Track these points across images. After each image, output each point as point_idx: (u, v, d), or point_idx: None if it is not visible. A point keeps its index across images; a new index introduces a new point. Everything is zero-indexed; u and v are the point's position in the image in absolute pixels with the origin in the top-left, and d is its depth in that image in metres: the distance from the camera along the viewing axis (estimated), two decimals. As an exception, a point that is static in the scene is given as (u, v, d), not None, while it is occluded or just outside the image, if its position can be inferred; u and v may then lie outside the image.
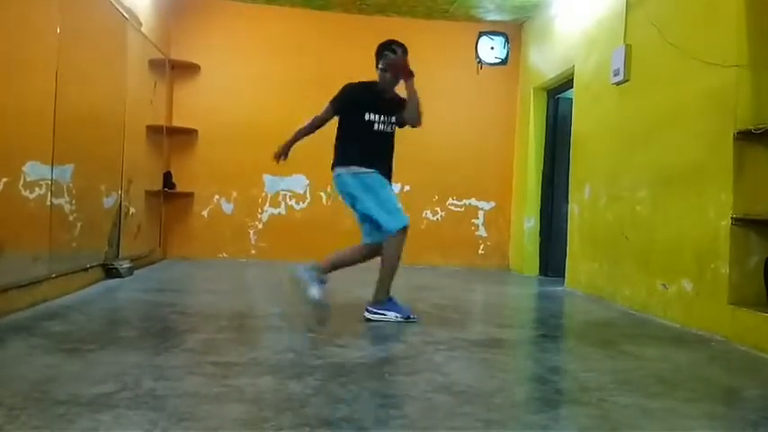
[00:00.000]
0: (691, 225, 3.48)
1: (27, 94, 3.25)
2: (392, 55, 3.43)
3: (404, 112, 3.45)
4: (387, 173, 3.48)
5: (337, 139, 3.48)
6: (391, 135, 3.51)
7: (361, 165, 3.37)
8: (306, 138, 3.54)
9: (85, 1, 3.95)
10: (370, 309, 3.36)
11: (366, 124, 3.39)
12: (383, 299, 3.39)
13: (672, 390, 2.22)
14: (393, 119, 3.47)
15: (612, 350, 2.88)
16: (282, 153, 3.53)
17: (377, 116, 3.40)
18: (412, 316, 3.35)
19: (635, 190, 4.11)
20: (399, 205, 3.43)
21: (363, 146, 3.40)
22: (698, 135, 3.48)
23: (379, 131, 3.42)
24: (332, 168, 3.50)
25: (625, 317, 3.84)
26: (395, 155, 3.59)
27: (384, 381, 2.15)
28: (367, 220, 3.49)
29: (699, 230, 3.40)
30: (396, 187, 6.47)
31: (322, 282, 3.24)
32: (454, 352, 2.65)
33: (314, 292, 3.13)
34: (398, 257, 3.42)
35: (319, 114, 3.50)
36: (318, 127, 3.51)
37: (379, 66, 3.44)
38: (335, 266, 3.42)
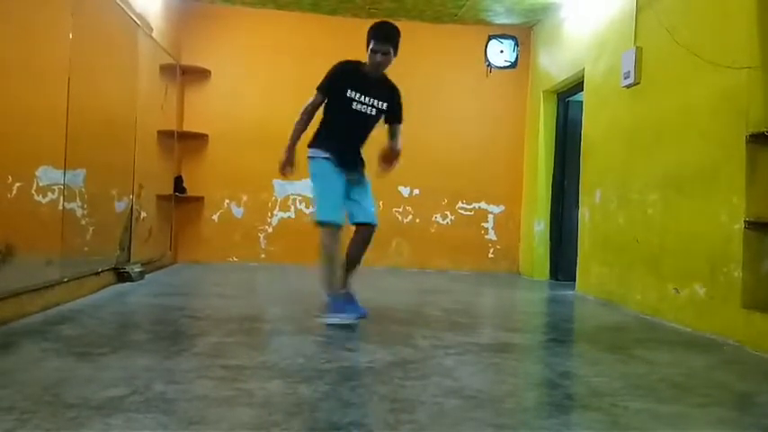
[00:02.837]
0: (703, 229, 3.45)
1: (40, 99, 3.28)
2: (376, 48, 3.32)
3: (392, 122, 3.45)
4: (349, 158, 3.38)
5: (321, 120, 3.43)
6: (370, 118, 3.40)
7: (319, 147, 3.35)
8: (304, 134, 3.44)
9: (97, 7, 3.99)
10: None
11: (347, 100, 3.33)
12: (330, 295, 3.26)
13: (684, 395, 2.19)
14: (376, 102, 3.38)
15: (624, 355, 2.86)
16: (288, 162, 3.39)
17: (358, 95, 3.34)
18: (359, 315, 3.21)
19: (646, 193, 4.09)
20: (334, 200, 3.30)
21: (335, 125, 3.34)
22: (709, 138, 3.46)
23: (357, 111, 3.35)
24: None
25: (636, 321, 3.81)
26: (404, 154, 3.52)
27: (394, 385, 2.14)
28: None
29: (711, 234, 3.37)
30: (405, 191, 6.61)
31: (348, 300, 3.21)
32: (464, 356, 2.64)
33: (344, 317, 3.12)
34: (325, 252, 3.26)
35: (309, 102, 3.42)
36: (311, 116, 3.43)
37: (369, 48, 3.35)
38: (344, 271, 3.37)
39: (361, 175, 3.48)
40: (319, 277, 3.29)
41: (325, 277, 3.28)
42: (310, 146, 3.40)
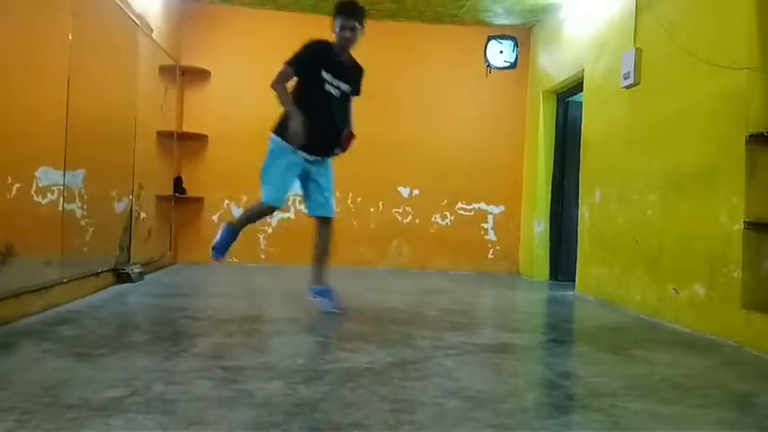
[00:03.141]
0: (702, 229, 3.45)
1: (39, 99, 3.28)
2: (344, 24, 3.40)
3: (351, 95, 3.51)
4: (317, 142, 3.40)
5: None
6: (337, 100, 3.43)
7: (278, 127, 3.41)
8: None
9: (97, 8, 3.99)
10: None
11: (320, 81, 3.37)
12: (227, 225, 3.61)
13: (684, 395, 2.20)
14: (342, 85, 3.43)
15: (623, 355, 2.86)
16: (302, 128, 3.30)
17: (330, 76, 3.38)
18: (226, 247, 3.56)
19: (646, 194, 4.09)
20: (279, 184, 3.45)
21: (305, 107, 3.35)
22: (709, 138, 3.46)
23: (327, 92, 3.39)
24: None
25: (636, 322, 3.81)
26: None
27: (394, 386, 2.14)
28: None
29: (711, 234, 3.37)
30: (405, 191, 6.61)
31: (321, 292, 3.46)
32: (464, 357, 2.64)
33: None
34: (250, 213, 3.70)
35: (281, 74, 3.41)
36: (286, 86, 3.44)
37: (338, 26, 3.41)
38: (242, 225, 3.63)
39: (326, 158, 3.52)
40: (241, 217, 3.71)
41: (241, 219, 3.66)
42: (275, 132, 3.44)
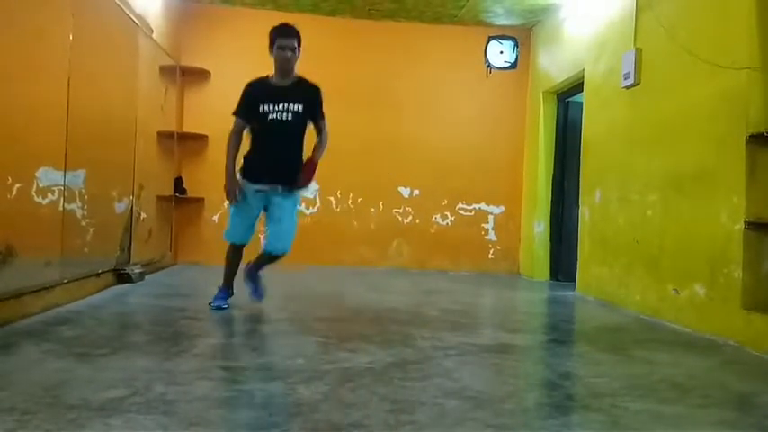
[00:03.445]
0: (703, 229, 3.45)
1: (40, 100, 3.28)
2: (283, 44, 3.44)
3: (313, 120, 3.52)
4: (274, 171, 3.45)
5: None
6: (287, 124, 3.41)
7: (243, 175, 3.54)
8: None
9: (97, 8, 3.99)
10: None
11: (261, 115, 3.39)
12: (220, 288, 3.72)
13: (684, 395, 2.20)
14: (290, 106, 3.40)
15: (624, 355, 2.86)
16: (233, 189, 3.53)
17: (271, 105, 3.39)
18: (223, 305, 3.61)
19: (646, 194, 4.09)
20: (243, 224, 3.64)
21: (257, 143, 3.47)
22: (709, 138, 3.46)
23: (273, 120, 3.39)
24: None
25: (636, 322, 3.81)
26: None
27: (394, 386, 2.15)
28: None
29: (711, 234, 3.37)
30: (405, 191, 6.61)
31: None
32: (464, 357, 2.64)
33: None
34: (227, 261, 3.81)
35: (232, 130, 3.57)
36: (239, 139, 3.57)
37: (276, 47, 3.45)
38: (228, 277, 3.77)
39: (288, 189, 3.50)
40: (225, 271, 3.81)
41: (225, 275, 3.77)
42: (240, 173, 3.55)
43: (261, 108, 3.39)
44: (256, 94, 3.45)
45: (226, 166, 3.50)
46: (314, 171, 3.48)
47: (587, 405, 2.07)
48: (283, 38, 3.42)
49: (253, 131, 3.52)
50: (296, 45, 3.45)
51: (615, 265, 4.47)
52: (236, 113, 3.53)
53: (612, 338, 3.36)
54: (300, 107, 3.41)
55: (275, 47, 3.43)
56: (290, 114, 3.39)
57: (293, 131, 3.45)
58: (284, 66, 3.44)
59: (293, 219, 3.56)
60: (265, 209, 3.58)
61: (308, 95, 3.47)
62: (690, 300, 3.52)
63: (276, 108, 3.39)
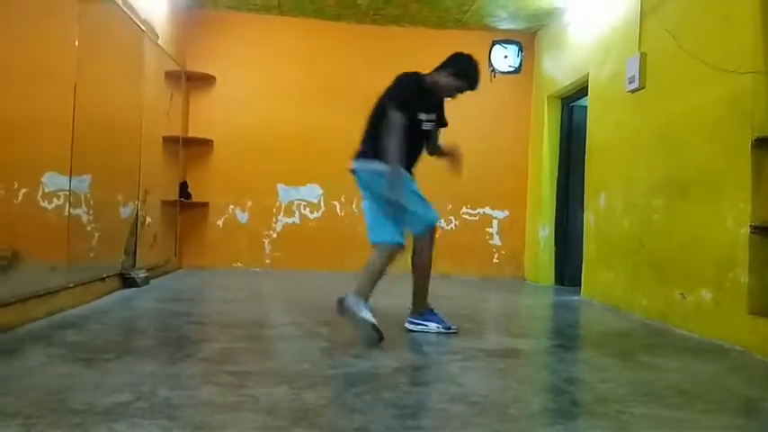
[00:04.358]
0: (708, 233, 3.43)
1: (46, 105, 3.30)
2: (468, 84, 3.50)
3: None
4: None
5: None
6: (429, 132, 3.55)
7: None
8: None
9: (103, 14, 4.01)
10: (411, 320, 3.33)
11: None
12: (422, 309, 3.33)
13: (690, 401, 2.18)
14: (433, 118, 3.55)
15: (630, 361, 2.85)
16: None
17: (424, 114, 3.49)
18: (453, 327, 3.27)
19: (651, 198, 4.07)
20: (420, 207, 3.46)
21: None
22: (715, 142, 3.45)
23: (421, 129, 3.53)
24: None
25: (642, 327, 3.80)
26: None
27: (399, 391, 2.14)
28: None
29: (717, 239, 3.35)
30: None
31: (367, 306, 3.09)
32: (469, 362, 2.64)
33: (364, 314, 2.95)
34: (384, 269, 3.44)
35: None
36: None
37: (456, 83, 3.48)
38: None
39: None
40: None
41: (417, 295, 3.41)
42: None
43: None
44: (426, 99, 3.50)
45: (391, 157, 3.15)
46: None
47: (593, 411, 2.06)
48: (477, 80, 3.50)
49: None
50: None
51: (621, 270, 4.45)
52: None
53: (618, 343, 3.35)
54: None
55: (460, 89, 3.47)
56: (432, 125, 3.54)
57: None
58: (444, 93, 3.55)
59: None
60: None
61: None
62: (696, 305, 3.50)
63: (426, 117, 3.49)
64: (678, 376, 2.56)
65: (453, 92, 3.48)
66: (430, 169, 6.62)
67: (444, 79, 3.43)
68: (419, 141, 3.47)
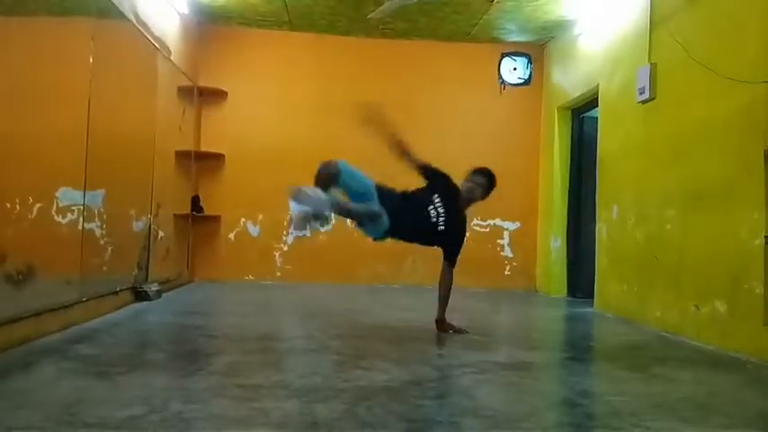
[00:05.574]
0: (722, 244, 3.40)
1: (60, 121, 3.35)
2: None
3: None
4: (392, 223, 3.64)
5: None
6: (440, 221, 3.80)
7: None
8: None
9: (117, 31, 4.07)
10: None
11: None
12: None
13: (707, 414, 2.15)
14: (445, 216, 3.80)
15: (644, 373, 2.81)
16: None
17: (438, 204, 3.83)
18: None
19: (664, 209, 4.05)
20: None
21: None
22: (727, 153, 3.43)
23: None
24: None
25: (657, 339, 3.75)
26: None
27: (411, 404, 2.13)
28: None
29: (731, 250, 3.32)
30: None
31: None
32: (482, 375, 2.62)
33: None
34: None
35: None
36: None
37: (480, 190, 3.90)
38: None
39: None
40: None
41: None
42: None
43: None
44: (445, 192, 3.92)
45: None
46: (444, 328, 3.77)
47: (608, 424, 2.04)
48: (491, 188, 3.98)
49: None
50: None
51: (634, 281, 4.41)
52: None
53: (632, 356, 3.31)
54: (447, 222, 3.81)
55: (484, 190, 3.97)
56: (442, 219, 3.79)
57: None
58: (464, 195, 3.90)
59: None
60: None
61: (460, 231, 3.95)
62: (711, 316, 3.46)
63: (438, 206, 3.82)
64: (694, 389, 2.52)
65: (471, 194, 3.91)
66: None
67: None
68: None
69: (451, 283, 3.73)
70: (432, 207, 3.65)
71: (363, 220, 3.48)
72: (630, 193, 4.55)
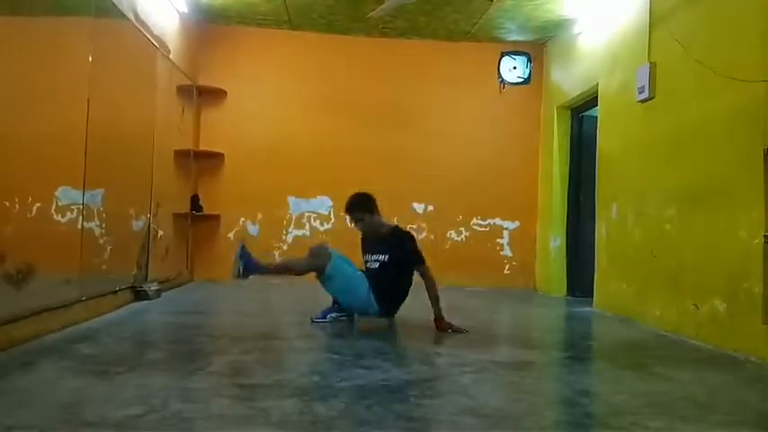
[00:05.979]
0: (721, 244, 3.40)
1: (60, 120, 3.35)
2: (350, 219, 3.93)
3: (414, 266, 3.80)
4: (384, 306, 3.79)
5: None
6: (376, 270, 3.78)
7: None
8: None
9: (117, 30, 4.07)
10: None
11: (365, 263, 3.93)
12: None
13: (706, 413, 2.15)
14: (378, 257, 3.79)
15: (644, 372, 2.82)
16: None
17: (368, 255, 3.90)
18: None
19: (663, 208, 4.05)
20: None
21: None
22: (726, 152, 3.43)
23: (369, 268, 3.84)
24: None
25: (656, 338, 3.76)
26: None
27: (410, 403, 2.13)
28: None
29: (730, 249, 3.32)
30: (420, 207, 6.62)
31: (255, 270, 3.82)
32: (481, 374, 2.62)
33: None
34: None
35: None
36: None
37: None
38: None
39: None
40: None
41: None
42: None
43: (363, 257, 3.94)
44: (363, 245, 3.98)
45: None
46: (443, 326, 3.65)
47: (607, 423, 2.04)
48: (347, 214, 3.90)
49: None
50: (356, 217, 3.84)
51: (633, 281, 4.42)
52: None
53: (632, 355, 3.32)
54: (386, 257, 3.77)
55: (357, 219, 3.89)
56: (377, 263, 3.80)
57: (382, 276, 3.77)
58: (363, 232, 3.93)
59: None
60: None
61: (394, 244, 3.79)
62: (710, 315, 3.47)
63: (370, 258, 3.86)
64: (693, 388, 2.53)
65: (358, 228, 3.95)
66: (442, 181, 6.66)
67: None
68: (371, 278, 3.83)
69: (435, 280, 3.72)
70: (369, 263, 3.87)
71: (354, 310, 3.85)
72: (630, 192, 4.56)
